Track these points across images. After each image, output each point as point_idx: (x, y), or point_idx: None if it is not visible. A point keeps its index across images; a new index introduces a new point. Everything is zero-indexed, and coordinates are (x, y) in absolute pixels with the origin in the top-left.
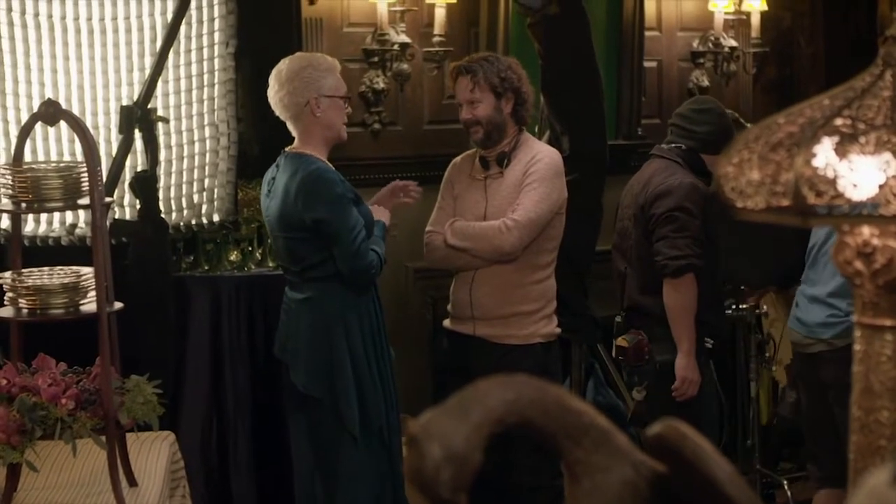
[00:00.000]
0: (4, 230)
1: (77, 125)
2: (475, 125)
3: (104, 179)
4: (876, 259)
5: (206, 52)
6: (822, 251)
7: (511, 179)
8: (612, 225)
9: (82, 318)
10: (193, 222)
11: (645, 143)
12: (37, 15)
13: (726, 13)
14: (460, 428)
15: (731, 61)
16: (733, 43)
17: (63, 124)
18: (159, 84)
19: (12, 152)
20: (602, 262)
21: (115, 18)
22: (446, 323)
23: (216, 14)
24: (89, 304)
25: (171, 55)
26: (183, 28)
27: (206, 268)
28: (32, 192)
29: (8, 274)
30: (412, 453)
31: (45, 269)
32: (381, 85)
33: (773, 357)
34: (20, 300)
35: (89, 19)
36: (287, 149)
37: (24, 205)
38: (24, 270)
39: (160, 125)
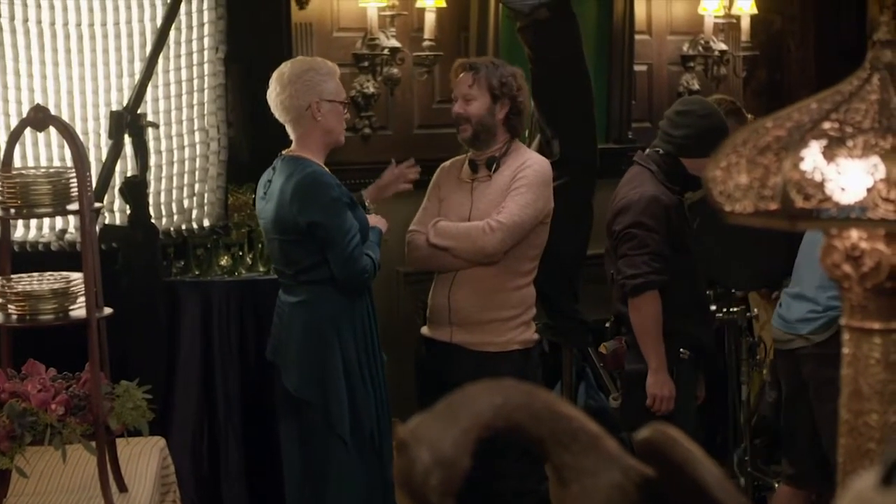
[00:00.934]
0: None
1: (66, 130)
2: (465, 122)
3: (94, 185)
4: (864, 262)
5: (195, 57)
6: (804, 249)
7: (499, 184)
8: (603, 229)
9: (72, 323)
10: (184, 227)
11: (635, 147)
12: (26, 21)
13: (716, 17)
14: (449, 433)
15: (721, 65)
16: (723, 46)
17: (52, 130)
18: (149, 89)
19: (1, 158)
20: (593, 265)
21: (104, 24)
22: (424, 330)
23: (206, 19)
24: (79, 310)
25: (160, 60)
26: (172, 33)
27: (197, 273)
28: (21, 197)
29: None
30: (401, 458)
31: (35, 274)
32: (371, 89)
33: (763, 360)
34: (9, 306)
35: (78, 25)
36: (284, 152)
37: (13, 210)
38: (13, 276)
39: (150, 130)
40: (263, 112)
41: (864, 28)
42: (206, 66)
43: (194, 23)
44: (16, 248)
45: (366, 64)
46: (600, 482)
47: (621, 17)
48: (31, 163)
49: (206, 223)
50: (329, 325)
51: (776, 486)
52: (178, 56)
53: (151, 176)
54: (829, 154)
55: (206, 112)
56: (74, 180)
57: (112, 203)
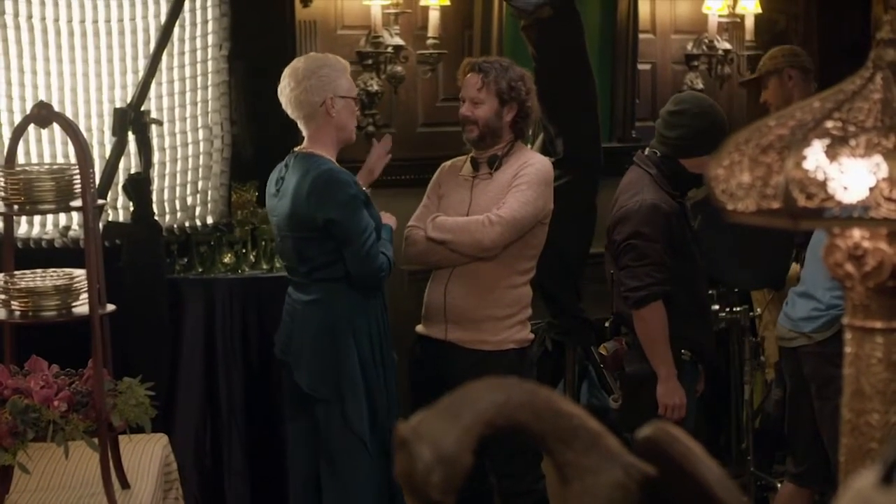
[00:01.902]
0: None
1: (69, 127)
2: (472, 124)
3: (97, 182)
4: (866, 262)
5: (199, 54)
6: (812, 247)
7: (499, 182)
8: (606, 228)
9: (75, 320)
10: (187, 224)
11: (639, 146)
12: (30, 17)
13: (720, 16)
14: (451, 430)
15: (725, 64)
16: (727, 46)
17: (56, 127)
18: (153, 86)
19: (5, 154)
20: (597, 264)
21: (108, 21)
22: (419, 328)
23: (210, 16)
24: (82, 307)
25: (164, 57)
26: (176, 30)
27: (200, 270)
28: (25, 194)
29: (0, 276)
30: (402, 455)
31: (38, 271)
32: (375, 87)
33: (766, 360)
34: (13, 302)
35: (82, 21)
36: (297, 148)
37: (16, 207)
38: (16, 272)
39: (153, 127)
40: (267, 109)
41: (868, 27)
42: (209, 63)
43: (198, 20)
44: (19, 245)
45: (370, 62)
46: (601, 480)
47: (625, 16)
48: (34, 159)
49: (209, 220)
50: (345, 324)
51: (779, 485)
52: (181, 53)
53: (155, 173)
54: (831, 153)
55: (209, 109)
56: (78, 177)
57: (115, 200)
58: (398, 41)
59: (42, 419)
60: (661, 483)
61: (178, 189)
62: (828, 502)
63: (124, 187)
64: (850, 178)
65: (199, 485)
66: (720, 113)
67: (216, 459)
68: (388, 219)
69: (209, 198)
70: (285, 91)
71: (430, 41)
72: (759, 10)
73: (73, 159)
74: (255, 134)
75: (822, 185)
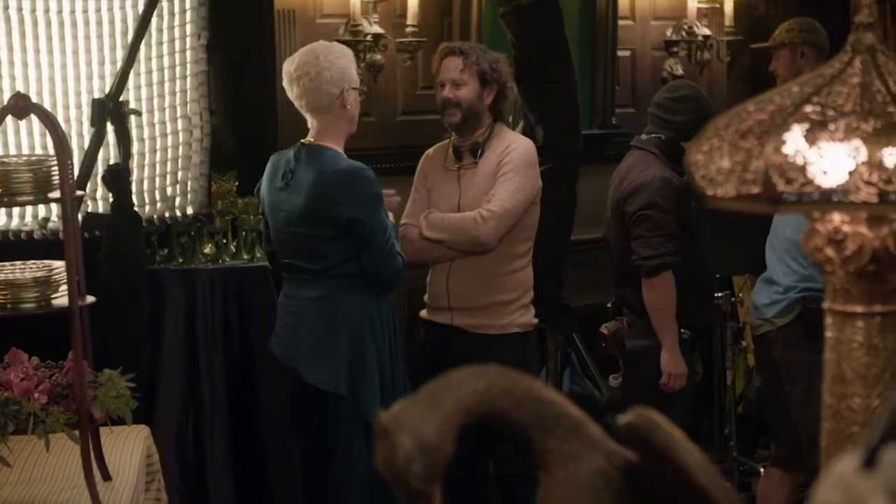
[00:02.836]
0: None
1: (47, 118)
2: (454, 107)
3: (76, 173)
4: (847, 246)
5: (177, 44)
6: (771, 233)
7: (485, 170)
8: (588, 214)
9: (54, 312)
10: (167, 215)
11: (619, 133)
12: (6, 8)
13: (699, 2)
14: (431, 419)
15: (704, 50)
16: (707, 31)
17: (34, 118)
18: (131, 77)
19: None
20: (578, 251)
21: (85, 11)
22: (423, 313)
23: (187, 6)
24: (61, 298)
25: (142, 48)
26: (154, 20)
27: (181, 261)
28: (3, 185)
29: None
30: (383, 444)
31: (17, 263)
32: None
33: (748, 345)
34: None
35: (60, 12)
36: (306, 141)
37: None
38: None
39: (132, 118)
40: (246, 99)
41: (848, 12)
42: (188, 52)
43: (176, 9)
44: None
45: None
46: (583, 467)
47: (604, 3)
48: (12, 151)
49: (189, 211)
50: (362, 318)
51: (762, 470)
52: (160, 43)
53: (134, 164)
54: (811, 137)
55: (188, 99)
56: (56, 168)
57: (95, 191)
58: (377, 29)
59: (22, 412)
60: (642, 469)
61: (157, 179)
62: (810, 486)
63: (103, 178)
64: (830, 162)
65: (181, 476)
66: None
67: (198, 451)
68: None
69: (189, 188)
70: (303, 82)
71: (409, 29)
72: None
73: (51, 150)
74: (234, 124)
75: (802, 169)
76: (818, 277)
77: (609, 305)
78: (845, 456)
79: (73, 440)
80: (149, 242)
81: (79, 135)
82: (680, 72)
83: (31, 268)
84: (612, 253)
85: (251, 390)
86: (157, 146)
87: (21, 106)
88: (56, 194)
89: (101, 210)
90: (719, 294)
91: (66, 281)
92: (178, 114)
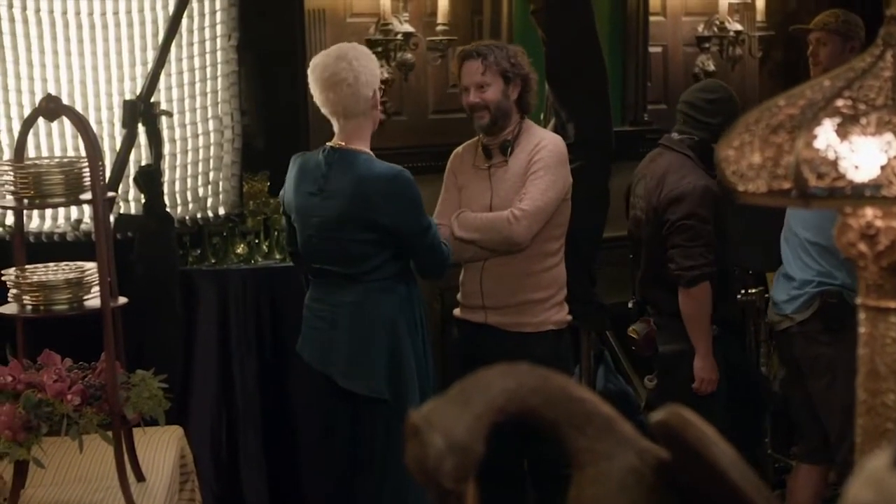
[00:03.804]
0: (8, 226)
1: (79, 120)
2: (482, 110)
3: (108, 174)
4: (879, 241)
5: (208, 44)
6: (785, 227)
7: (516, 168)
8: (619, 212)
9: (86, 313)
10: (199, 216)
11: (651, 129)
12: (38, 10)
13: None
14: (462, 417)
15: (736, 45)
16: (739, 27)
17: (65, 120)
18: (162, 78)
19: (14, 148)
20: (610, 248)
21: (116, 13)
22: (457, 312)
23: (218, 7)
24: (93, 300)
25: (173, 49)
26: (185, 21)
27: (213, 261)
28: (34, 187)
29: (12, 270)
30: (414, 444)
31: (50, 264)
32: (385, 75)
33: None
34: (24, 296)
35: (91, 14)
36: (334, 144)
37: (26, 201)
38: (28, 266)
39: (163, 119)
40: (276, 99)
41: (880, 5)
42: (218, 53)
43: (206, 10)
44: (31, 239)
45: (379, 49)
46: (615, 465)
47: None
48: (44, 153)
49: (221, 211)
50: (400, 321)
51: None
52: (190, 44)
53: (165, 164)
54: (842, 132)
55: (219, 100)
56: (87, 170)
57: (126, 192)
58: (408, 28)
59: (56, 413)
60: (675, 467)
61: (189, 180)
62: (843, 483)
63: (135, 179)
64: (862, 156)
65: (215, 476)
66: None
67: (232, 450)
68: None
69: (221, 189)
70: (340, 88)
71: (439, 28)
72: None
73: (82, 152)
74: (265, 124)
75: (834, 164)
76: (835, 272)
77: (630, 306)
78: (878, 452)
79: (107, 441)
80: (181, 243)
81: (110, 136)
82: (712, 68)
83: (63, 269)
84: (642, 253)
85: (284, 390)
86: (189, 147)
87: (52, 108)
88: (88, 196)
89: (133, 211)
90: (753, 290)
91: (98, 282)
92: (210, 114)
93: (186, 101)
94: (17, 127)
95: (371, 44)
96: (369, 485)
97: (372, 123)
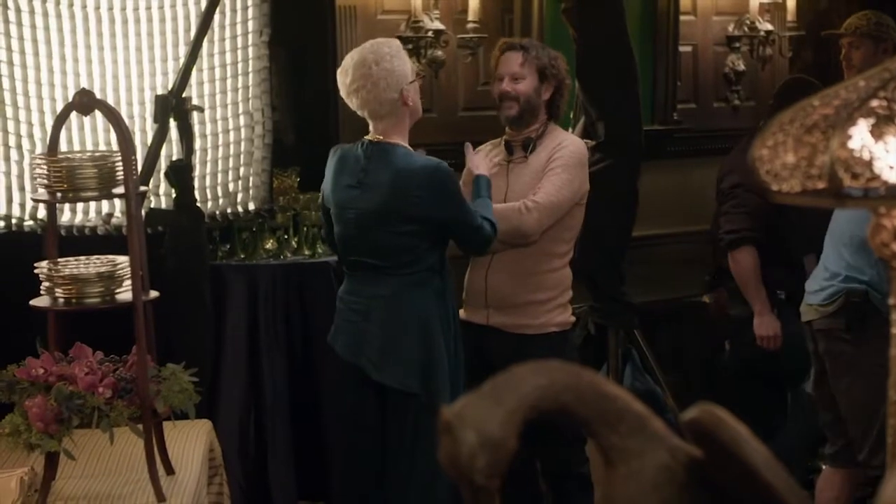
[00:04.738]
0: (41, 220)
1: (111, 114)
2: (512, 100)
3: (139, 169)
4: None
5: (240, 40)
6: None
7: (535, 165)
8: (649, 211)
9: (118, 307)
10: (229, 211)
11: (681, 129)
12: (71, 5)
13: None
14: (495, 414)
15: (766, 45)
16: (769, 27)
17: (98, 114)
18: (194, 73)
19: (47, 142)
20: (640, 247)
21: (149, 8)
22: (460, 313)
23: (250, 3)
24: (125, 294)
25: (205, 44)
26: (217, 17)
27: (243, 256)
28: (67, 181)
29: (44, 263)
30: (447, 440)
31: (82, 258)
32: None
33: None
34: (56, 290)
35: (123, 9)
36: (373, 138)
37: (59, 194)
38: (60, 260)
39: (195, 114)
40: (307, 95)
41: None
42: (250, 49)
43: (238, 6)
44: (63, 233)
45: (410, 47)
46: (647, 463)
47: None
48: (76, 147)
49: (251, 206)
50: (432, 317)
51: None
52: (222, 40)
53: (197, 159)
54: (877, 132)
55: (250, 95)
56: (120, 164)
57: (158, 187)
58: (438, 25)
59: (87, 406)
60: (707, 465)
61: (219, 175)
62: (873, 484)
63: (166, 174)
64: None
65: (242, 471)
66: None
67: (260, 445)
68: (479, 164)
69: (251, 184)
70: (361, 93)
71: (470, 25)
72: None
73: (115, 146)
74: (296, 120)
75: (868, 164)
76: (866, 269)
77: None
78: None
79: (137, 434)
80: (211, 238)
81: (142, 131)
82: (742, 67)
83: (95, 263)
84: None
85: (312, 385)
86: (220, 142)
87: (86, 102)
88: (120, 190)
89: (164, 206)
90: None
91: (129, 276)
92: (241, 110)
93: (218, 97)
94: (50, 121)
95: (402, 41)
96: (397, 478)
97: (407, 119)
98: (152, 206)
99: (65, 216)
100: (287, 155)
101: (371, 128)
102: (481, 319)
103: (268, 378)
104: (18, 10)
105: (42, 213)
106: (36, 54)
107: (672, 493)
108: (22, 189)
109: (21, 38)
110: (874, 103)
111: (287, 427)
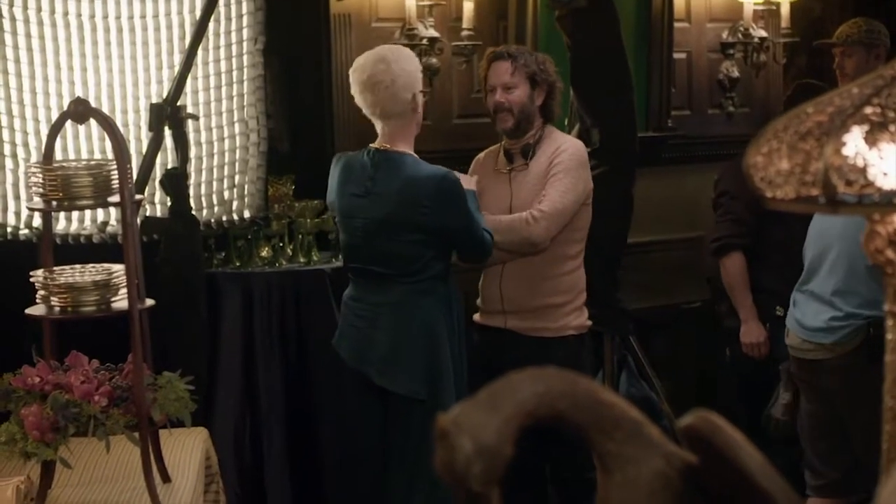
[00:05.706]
0: (36, 228)
1: (106, 123)
2: (506, 111)
3: (134, 177)
4: None
5: (234, 48)
6: (812, 239)
7: (536, 171)
8: (643, 218)
9: (114, 315)
10: (224, 219)
11: (675, 136)
12: (66, 14)
13: (756, 3)
14: (491, 421)
15: (761, 52)
16: (763, 33)
17: (93, 123)
18: (188, 81)
19: (42, 150)
20: (634, 254)
21: (143, 16)
22: (476, 317)
23: (244, 11)
24: (121, 302)
25: (199, 52)
26: (211, 25)
27: (238, 264)
28: (63, 190)
29: (40, 272)
30: (443, 447)
31: (77, 266)
32: None
33: None
34: (52, 298)
35: (118, 18)
36: (378, 146)
37: (54, 203)
38: (55, 268)
39: (190, 122)
40: (302, 103)
41: None
42: (244, 57)
43: (233, 14)
44: (58, 241)
45: None
46: (643, 470)
47: (660, 5)
48: (71, 155)
49: (246, 214)
50: (438, 324)
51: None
52: (217, 48)
53: (192, 168)
54: (871, 139)
55: (245, 104)
56: (115, 172)
57: (153, 195)
58: (433, 33)
59: (83, 414)
60: (702, 472)
61: (214, 183)
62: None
63: (161, 182)
64: (890, 163)
65: (239, 478)
66: None
67: (256, 453)
68: (467, 182)
69: (246, 192)
70: (377, 89)
71: (464, 33)
72: None
73: (110, 155)
74: (290, 128)
75: (862, 171)
76: (878, 294)
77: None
78: None
79: (133, 442)
80: (206, 246)
81: (137, 139)
82: (736, 74)
83: (90, 271)
84: None
85: (308, 393)
86: (215, 150)
87: (81, 111)
88: (115, 198)
89: (159, 214)
90: None
91: (125, 284)
92: (235, 118)
93: (213, 105)
94: (45, 129)
95: None
96: (399, 485)
97: (414, 126)
98: (147, 214)
99: (60, 224)
100: (282, 163)
101: (378, 130)
102: (499, 323)
103: (263, 385)
104: (13, 20)
105: (37, 221)
106: (31, 63)
107: (668, 500)
108: (17, 198)
109: (16, 47)
110: (868, 110)
111: (283, 434)
